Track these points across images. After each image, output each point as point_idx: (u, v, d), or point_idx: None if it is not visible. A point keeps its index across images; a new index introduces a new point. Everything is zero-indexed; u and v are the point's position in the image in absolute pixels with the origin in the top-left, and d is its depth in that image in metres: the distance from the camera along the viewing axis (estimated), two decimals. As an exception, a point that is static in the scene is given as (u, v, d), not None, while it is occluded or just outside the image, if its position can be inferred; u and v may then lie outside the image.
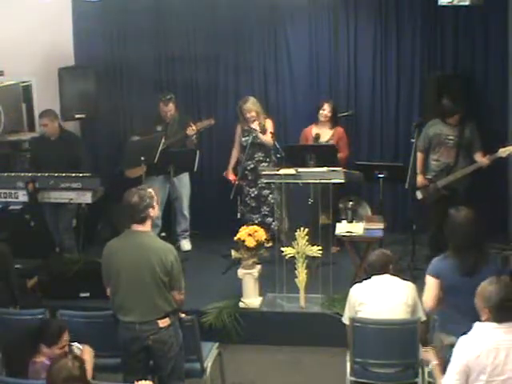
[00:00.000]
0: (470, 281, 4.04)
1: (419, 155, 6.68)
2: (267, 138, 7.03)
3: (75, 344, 4.46)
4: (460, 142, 6.56)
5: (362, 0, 7.61)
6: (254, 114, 7.10)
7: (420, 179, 6.69)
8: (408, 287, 4.73)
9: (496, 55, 7.32)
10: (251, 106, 7.10)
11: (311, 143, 6.97)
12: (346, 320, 4.79)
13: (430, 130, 6.65)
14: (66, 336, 4.32)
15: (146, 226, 4.44)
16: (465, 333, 3.59)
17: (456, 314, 4.25)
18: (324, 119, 7.10)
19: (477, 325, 3.57)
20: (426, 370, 4.50)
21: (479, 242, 4.35)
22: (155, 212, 4.50)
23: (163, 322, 4.42)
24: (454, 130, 6.59)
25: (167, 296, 4.42)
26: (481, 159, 6.46)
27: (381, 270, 4.78)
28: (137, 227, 4.43)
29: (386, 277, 4.77)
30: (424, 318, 4.70)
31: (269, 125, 7.17)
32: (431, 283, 4.40)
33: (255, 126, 7.08)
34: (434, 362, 4.31)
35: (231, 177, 7.30)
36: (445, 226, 4.47)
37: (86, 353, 4.44)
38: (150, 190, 4.50)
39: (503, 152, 6.28)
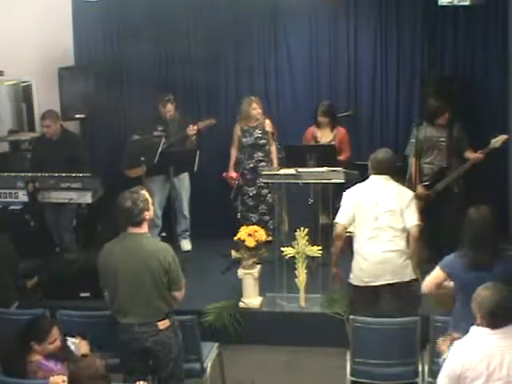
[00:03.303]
0: (484, 276, 3.96)
1: (412, 161, 6.54)
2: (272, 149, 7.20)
3: (69, 338, 4.45)
4: (450, 143, 6.55)
5: (362, 0, 7.62)
6: (259, 110, 7.16)
7: (420, 189, 6.47)
8: (402, 194, 5.02)
9: (496, 55, 7.32)
10: (256, 104, 7.17)
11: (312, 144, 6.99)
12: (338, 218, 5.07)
13: (420, 133, 6.56)
14: (56, 331, 4.33)
15: (143, 228, 4.41)
16: None
17: (469, 312, 4.16)
18: (322, 125, 7.11)
19: (472, 329, 3.56)
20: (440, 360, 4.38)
21: (495, 239, 4.31)
22: (150, 214, 4.46)
23: (163, 324, 4.41)
24: (444, 131, 6.58)
25: (166, 297, 4.41)
26: (474, 155, 6.43)
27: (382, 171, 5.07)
28: (133, 230, 4.40)
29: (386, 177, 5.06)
30: (418, 223, 4.98)
31: (269, 125, 7.21)
32: (437, 273, 4.35)
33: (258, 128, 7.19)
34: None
35: (234, 174, 7.25)
36: (462, 225, 4.42)
37: (84, 347, 4.44)
38: (143, 192, 4.44)
39: (495, 142, 6.25)
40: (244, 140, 7.24)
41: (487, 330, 3.49)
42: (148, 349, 4.43)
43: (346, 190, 5.20)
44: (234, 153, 7.38)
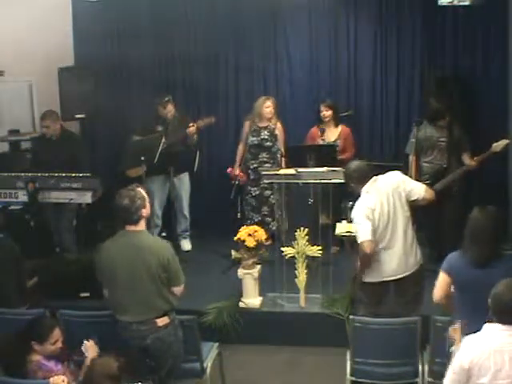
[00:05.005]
0: (482, 274, 3.97)
1: (412, 159, 6.51)
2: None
3: (85, 342, 4.42)
4: (450, 143, 6.54)
5: (362, 0, 7.62)
6: (272, 110, 7.14)
7: None
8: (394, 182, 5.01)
9: (496, 55, 7.31)
10: (271, 103, 7.15)
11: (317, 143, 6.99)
12: (363, 236, 4.86)
13: (419, 133, 6.54)
14: (57, 332, 4.35)
15: (140, 226, 4.41)
16: (477, 329, 3.55)
17: (469, 311, 4.13)
18: (326, 120, 7.11)
19: (485, 325, 3.55)
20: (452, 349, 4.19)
21: (496, 238, 4.29)
22: (147, 211, 4.45)
23: (162, 321, 4.40)
24: (444, 131, 6.58)
25: (165, 294, 4.39)
26: (469, 162, 6.43)
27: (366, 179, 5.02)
28: (130, 227, 4.39)
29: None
30: (425, 186, 5.09)
31: (279, 129, 7.22)
32: (441, 279, 4.32)
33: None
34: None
35: (237, 171, 7.19)
36: (462, 224, 4.42)
37: (91, 349, 4.42)
38: (139, 189, 4.45)
39: (497, 147, 6.26)
40: (250, 139, 7.21)
41: (499, 326, 3.48)
42: (148, 347, 4.42)
43: (353, 211, 5.04)
44: (240, 149, 7.32)
